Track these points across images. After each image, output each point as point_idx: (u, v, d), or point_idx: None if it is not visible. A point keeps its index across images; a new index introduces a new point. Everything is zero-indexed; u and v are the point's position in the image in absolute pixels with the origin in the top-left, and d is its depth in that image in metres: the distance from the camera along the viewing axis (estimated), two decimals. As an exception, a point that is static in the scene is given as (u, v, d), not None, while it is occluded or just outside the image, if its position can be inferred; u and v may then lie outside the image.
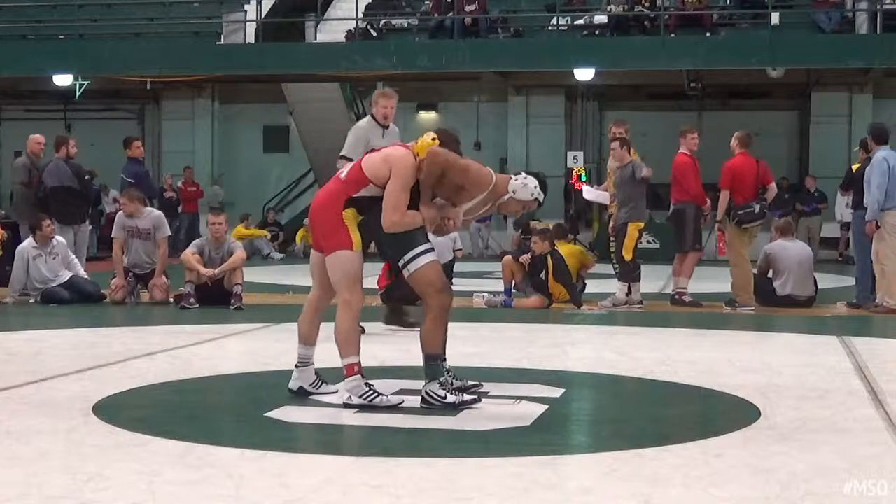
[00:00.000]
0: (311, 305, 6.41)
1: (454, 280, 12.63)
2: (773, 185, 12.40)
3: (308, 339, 6.40)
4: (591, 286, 12.84)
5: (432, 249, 6.08)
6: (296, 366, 6.41)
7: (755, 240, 12.28)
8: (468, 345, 8.84)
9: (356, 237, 6.01)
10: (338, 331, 6.04)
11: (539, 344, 9.01)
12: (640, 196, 11.97)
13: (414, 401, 6.07)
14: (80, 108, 25.34)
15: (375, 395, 5.95)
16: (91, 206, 14.77)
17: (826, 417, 5.93)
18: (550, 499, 4.26)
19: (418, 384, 6.11)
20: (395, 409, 5.93)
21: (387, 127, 9.17)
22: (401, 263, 6.01)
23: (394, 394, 6.29)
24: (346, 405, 5.97)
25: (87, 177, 13.69)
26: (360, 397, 5.93)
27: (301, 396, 6.33)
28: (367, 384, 5.98)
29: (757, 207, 11.87)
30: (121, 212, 12.25)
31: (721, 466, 4.81)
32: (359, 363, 6.01)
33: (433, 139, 6.09)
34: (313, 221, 6.22)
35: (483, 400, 6.18)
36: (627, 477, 4.63)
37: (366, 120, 9.36)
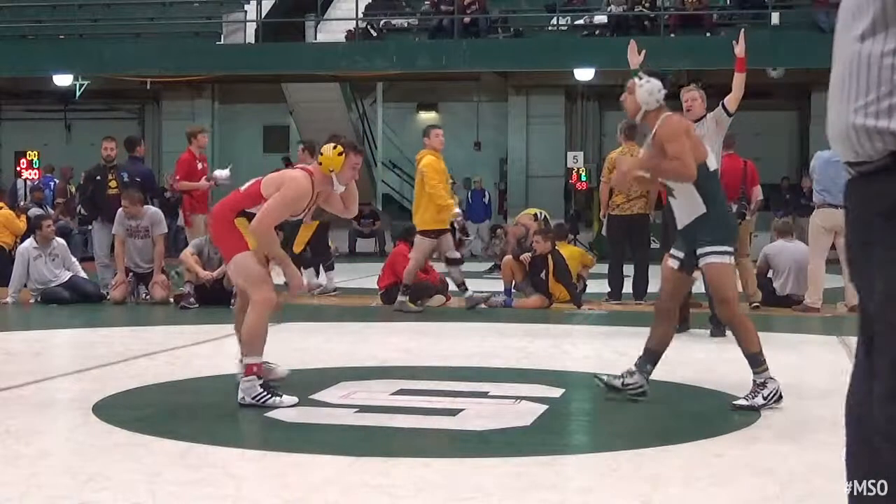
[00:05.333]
0: (239, 312, 6.53)
1: (447, 280, 12.62)
2: (758, 189, 12.26)
3: None
4: (592, 286, 12.83)
5: None
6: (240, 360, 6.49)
7: (755, 239, 12.26)
8: (469, 345, 8.83)
9: (251, 240, 6.13)
10: (245, 328, 6.12)
11: (539, 344, 9.00)
12: None
13: (414, 400, 6.07)
14: (80, 108, 25.32)
15: (269, 396, 6.01)
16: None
17: (826, 417, 5.91)
18: (550, 499, 4.26)
19: (418, 384, 6.11)
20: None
21: None
22: None
23: (393, 394, 6.30)
24: (240, 405, 6.00)
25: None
26: (252, 398, 6.00)
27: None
28: (262, 385, 6.04)
29: (734, 208, 11.85)
30: (121, 209, 12.26)
31: (721, 466, 4.81)
32: (259, 364, 6.08)
33: (340, 153, 6.19)
34: (211, 233, 6.36)
35: (483, 400, 6.19)
36: (627, 477, 4.63)
37: None
